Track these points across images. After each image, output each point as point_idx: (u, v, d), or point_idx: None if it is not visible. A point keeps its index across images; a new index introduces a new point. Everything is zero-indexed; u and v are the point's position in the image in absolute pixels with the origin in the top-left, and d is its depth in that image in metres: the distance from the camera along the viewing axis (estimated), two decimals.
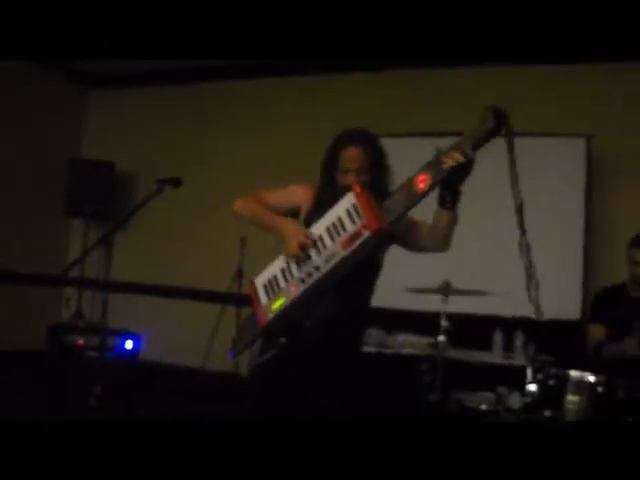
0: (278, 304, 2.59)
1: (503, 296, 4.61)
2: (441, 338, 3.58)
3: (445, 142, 2.44)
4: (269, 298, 2.64)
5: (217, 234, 5.80)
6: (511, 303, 4.88)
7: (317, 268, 2.52)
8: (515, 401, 3.37)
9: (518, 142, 5.36)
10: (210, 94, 6.36)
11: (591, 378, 3.24)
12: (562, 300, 4.86)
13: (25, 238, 6.12)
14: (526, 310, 4.81)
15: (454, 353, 3.68)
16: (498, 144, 5.18)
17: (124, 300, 5.86)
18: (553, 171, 5.08)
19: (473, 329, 4.67)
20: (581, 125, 5.04)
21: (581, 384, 3.25)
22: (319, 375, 2.60)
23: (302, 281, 2.55)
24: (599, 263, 4.92)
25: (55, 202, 6.19)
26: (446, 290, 3.65)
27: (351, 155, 2.67)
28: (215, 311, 5.41)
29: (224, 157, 6.15)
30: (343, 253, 2.47)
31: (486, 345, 4.69)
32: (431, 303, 3.92)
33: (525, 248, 2.46)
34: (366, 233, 2.43)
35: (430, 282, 3.84)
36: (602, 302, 4.04)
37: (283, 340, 2.57)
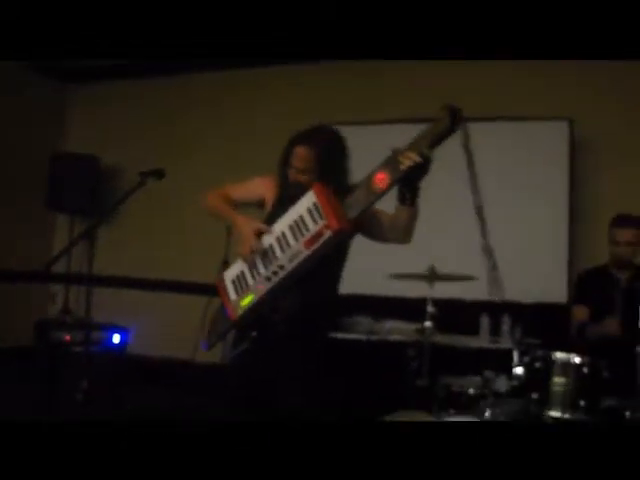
0: (247, 301, 2.73)
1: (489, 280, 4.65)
2: (428, 324, 3.59)
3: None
4: (238, 294, 2.78)
5: (202, 226, 5.79)
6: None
7: (282, 267, 2.64)
8: (502, 384, 3.38)
9: (502, 126, 5.42)
10: (193, 86, 6.34)
11: (577, 359, 3.26)
12: (548, 283, 4.89)
13: (9, 235, 6.09)
14: (512, 294, 4.90)
15: (441, 338, 3.69)
16: (482, 131, 5.22)
17: (109, 295, 5.84)
18: (537, 155, 5.10)
19: (460, 314, 4.70)
20: (563, 109, 5.06)
21: (567, 366, 3.26)
22: (287, 367, 2.73)
23: (268, 279, 2.68)
24: (584, 245, 4.95)
25: (39, 198, 6.15)
26: (432, 276, 3.66)
27: (298, 154, 2.77)
28: (202, 303, 5.39)
29: (208, 149, 6.13)
30: (306, 252, 2.58)
31: (473, 330, 4.71)
32: (418, 289, 3.93)
33: (488, 252, 2.48)
34: (328, 233, 2.53)
35: (416, 268, 3.85)
36: (585, 284, 4.08)
37: (254, 334, 2.71)
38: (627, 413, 3.17)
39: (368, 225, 2.78)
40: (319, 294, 2.79)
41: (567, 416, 3.19)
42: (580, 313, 3.91)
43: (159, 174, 3.41)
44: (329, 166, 2.79)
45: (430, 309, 3.60)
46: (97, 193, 6.14)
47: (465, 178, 5.17)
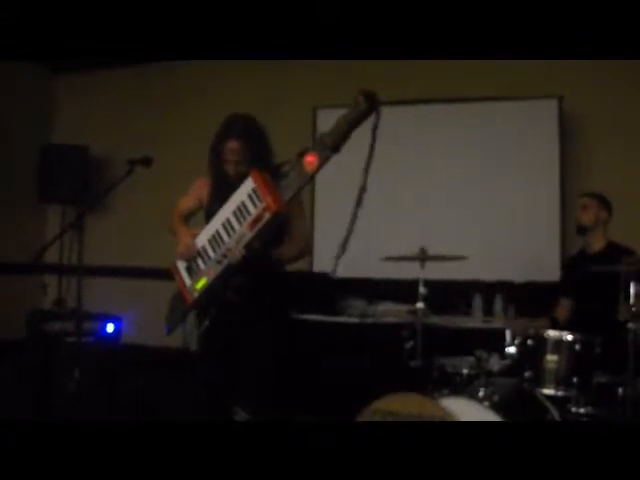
0: (201, 284, 3.02)
1: (481, 260, 4.66)
2: (420, 305, 3.58)
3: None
4: (192, 279, 3.07)
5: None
6: (489, 267, 4.94)
7: (229, 249, 2.91)
8: (495, 363, 3.40)
9: (493, 106, 5.38)
10: (181, 74, 6.29)
11: (569, 337, 3.27)
12: (540, 262, 4.90)
13: (0, 226, 6.06)
14: (504, 274, 4.90)
15: (434, 319, 3.69)
16: (470, 115, 5.19)
17: (102, 284, 5.83)
18: (527, 134, 5.09)
19: (452, 294, 4.71)
20: (552, 86, 5.04)
21: (559, 343, 3.28)
22: (246, 332, 3.05)
23: (218, 262, 2.96)
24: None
25: (29, 189, 6.11)
26: (423, 257, 3.65)
27: (230, 148, 3.05)
28: None
29: (197, 137, 6.06)
30: (250, 234, 2.85)
31: (466, 310, 4.72)
32: (410, 271, 3.92)
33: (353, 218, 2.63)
34: (267, 215, 2.80)
35: (407, 250, 3.84)
36: (566, 272, 4.25)
37: (213, 312, 3.02)
38: (619, 389, 3.18)
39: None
40: (266, 270, 3.03)
41: (560, 393, 3.21)
42: (562, 310, 4.03)
43: (147, 162, 3.44)
44: (258, 152, 3.06)
45: (422, 290, 3.59)
46: (88, 183, 6.09)
47: (457, 165, 5.19)
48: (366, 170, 2.59)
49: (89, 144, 6.22)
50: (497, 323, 3.84)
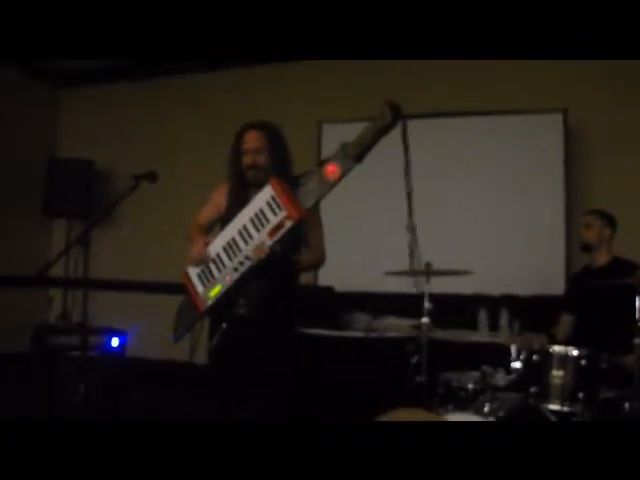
0: (215, 291, 2.95)
1: (486, 275, 4.64)
2: (425, 320, 3.57)
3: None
4: (205, 286, 2.99)
5: None
6: (495, 281, 4.93)
7: (247, 257, 2.86)
8: (500, 379, 3.37)
9: (498, 120, 5.38)
10: (184, 88, 6.32)
11: (574, 352, 3.25)
12: (546, 275, 4.88)
13: (6, 241, 6.07)
14: (510, 288, 4.88)
15: (439, 334, 3.67)
16: (475, 129, 5.18)
17: (107, 298, 5.83)
18: (532, 147, 5.09)
19: (458, 309, 4.69)
20: (557, 100, 5.04)
21: (565, 358, 3.25)
22: (257, 346, 2.99)
23: (235, 270, 2.90)
24: None
25: (35, 203, 6.13)
26: (428, 272, 3.64)
27: (250, 137, 3.04)
28: None
29: (201, 150, 6.11)
30: (270, 242, 2.80)
31: (472, 325, 4.70)
32: (415, 285, 3.92)
33: (411, 229, 2.66)
34: (289, 223, 2.77)
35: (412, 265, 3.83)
36: (570, 287, 4.24)
37: (224, 325, 2.96)
38: (626, 404, 3.16)
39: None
40: (283, 281, 3.00)
41: (566, 409, 3.18)
42: (563, 328, 4.02)
43: (152, 177, 3.41)
44: (279, 146, 3.04)
45: (427, 305, 3.58)
46: (93, 197, 6.11)
47: (462, 178, 5.19)
48: (407, 177, 2.62)
49: (94, 158, 6.24)
50: (498, 338, 3.81)
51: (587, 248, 3.99)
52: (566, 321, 4.01)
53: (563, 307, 4.08)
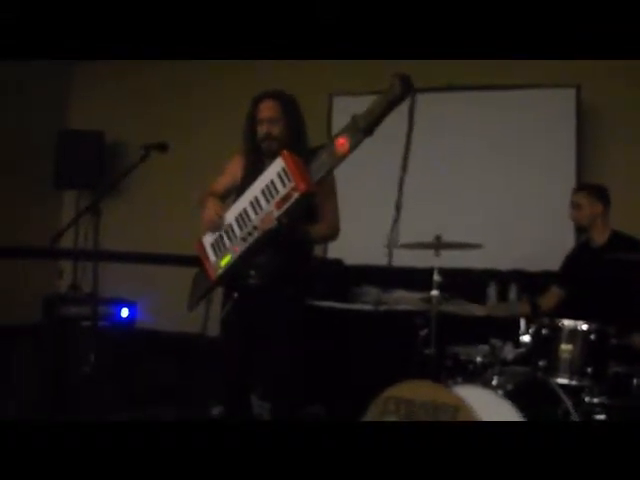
0: (225, 261, 3.00)
1: (496, 250, 4.63)
2: (434, 292, 3.56)
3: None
4: (217, 256, 3.04)
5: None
6: (505, 256, 4.92)
7: (256, 227, 2.89)
8: (509, 352, 3.39)
9: (511, 94, 5.33)
10: (196, 62, 6.28)
11: (584, 326, 3.25)
12: (555, 251, 4.85)
13: (17, 212, 6.08)
14: (520, 263, 4.87)
15: (449, 307, 3.67)
16: (487, 103, 5.14)
17: (117, 269, 5.85)
18: (544, 122, 5.06)
19: (467, 283, 4.68)
20: (570, 75, 4.99)
21: (574, 333, 3.26)
22: (267, 316, 3.03)
23: (244, 240, 2.94)
24: None
25: (45, 175, 6.13)
26: (438, 244, 3.63)
27: (265, 105, 3.04)
28: None
29: (212, 122, 6.10)
30: (277, 213, 2.83)
31: (481, 299, 4.70)
32: (425, 259, 3.91)
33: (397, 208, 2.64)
34: (296, 195, 2.78)
35: (422, 238, 3.83)
36: (566, 262, 4.11)
37: (236, 295, 3.01)
38: (634, 380, 3.17)
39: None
40: (294, 252, 3.02)
41: (574, 383, 3.20)
42: (550, 298, 3.97)
43: (162, 147, 3.43)
44: (293, 117, 3.05)
45: (437, 278, 3.57)
46: (103, 168, 6.11)
47: (473, 153, 5.15)
48: (406, 153, 2.60)
49: (105, 130, 6.24)
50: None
51: (581, 230, 3.92)
52: (555, 293, 3.96)
53: (555, 280, 4.03)
